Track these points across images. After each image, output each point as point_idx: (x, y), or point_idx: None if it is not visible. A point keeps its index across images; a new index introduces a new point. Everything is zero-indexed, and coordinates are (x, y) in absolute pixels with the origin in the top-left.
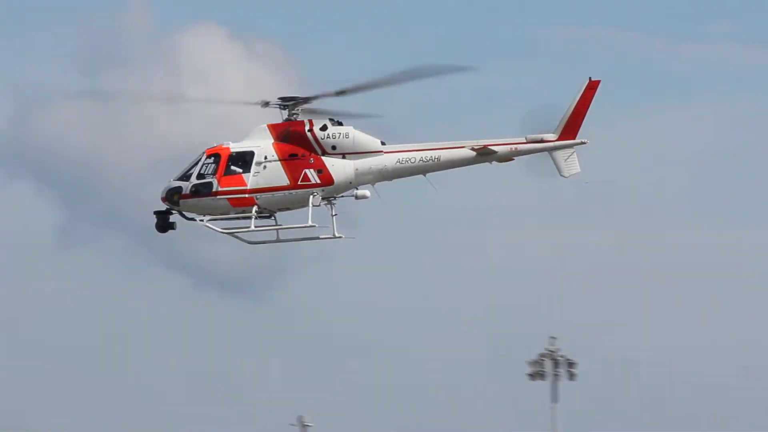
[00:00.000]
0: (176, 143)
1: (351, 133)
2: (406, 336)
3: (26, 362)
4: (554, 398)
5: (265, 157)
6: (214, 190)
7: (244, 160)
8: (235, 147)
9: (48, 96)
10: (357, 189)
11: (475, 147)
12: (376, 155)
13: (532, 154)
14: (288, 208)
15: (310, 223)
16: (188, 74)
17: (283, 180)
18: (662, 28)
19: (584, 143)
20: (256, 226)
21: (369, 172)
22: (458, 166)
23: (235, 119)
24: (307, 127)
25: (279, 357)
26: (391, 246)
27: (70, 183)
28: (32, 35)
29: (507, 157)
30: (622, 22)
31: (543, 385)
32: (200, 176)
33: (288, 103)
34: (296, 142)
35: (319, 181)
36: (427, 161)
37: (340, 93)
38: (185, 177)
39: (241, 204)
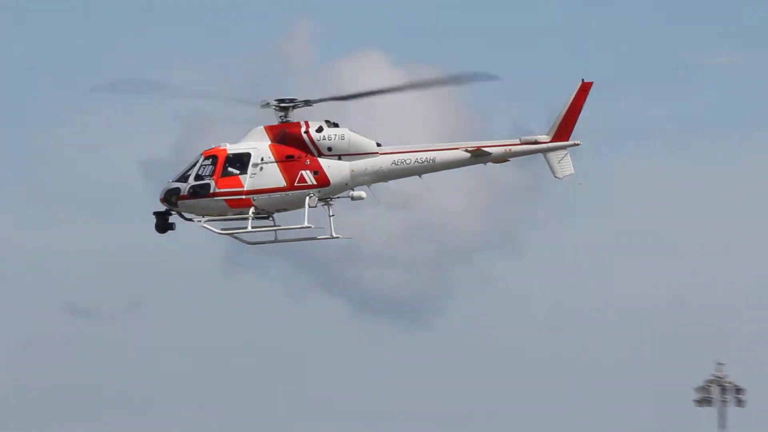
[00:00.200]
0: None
1: (346, 135)
2: (569, 361)
3: (191, 385)
4: (722, 425)
5: (262, 159)
6: (211, 191)
7: (241, 161)
8: (232, 148)
9: (214, 124)
10: (353, 190)
11: (469, 149)
12: (371, 156)
13: (526, 156)
14: (285, 209)
15: (306, 224)
16: (349, 102)
17: (280, 181)
18: None
19: (578, 144)
20: (253, 227)
21: (365, 173)
22: (453, 168)
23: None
24: (303, 129)
25: (444, 382)
26: (552, 269)
27: None
28: (198, 65)
29: (502, 158)
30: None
31: (710, 412)
32: (198, 177)
33: (286, 104)
34: (293, 144)
35: (315, 183)
36: (423, 162)
37: (342, 98)
38: (183, 178)
39: (238, 205)
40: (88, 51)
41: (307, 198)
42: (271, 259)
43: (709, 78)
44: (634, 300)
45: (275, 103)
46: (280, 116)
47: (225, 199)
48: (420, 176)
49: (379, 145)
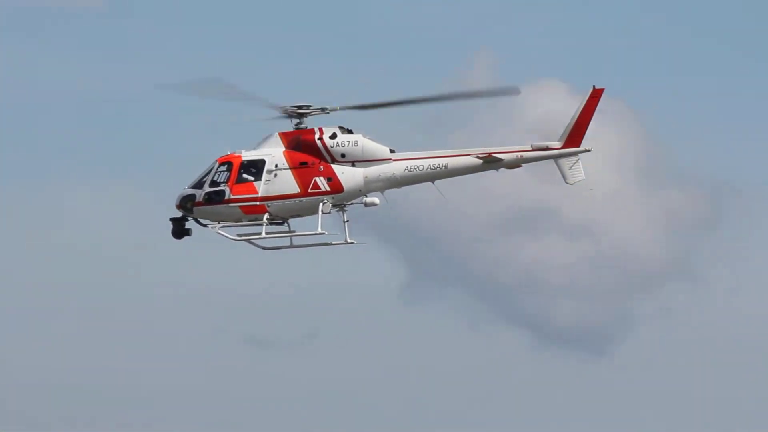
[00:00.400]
0: (513, 201)
1: (360, 142)
2: (759, 395)
3: (367, 416)
4: None
5: (276, 165)
6: (226, 197)
7: (256, 168)
8: (247, 155)
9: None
10: (366, 196)
11: (480, 155)
12: (385, 163)
13: (538, 162)
14: (299, 215)
15: (319, 230)
16: (531, 130)
17: (294, 188)
18: None
19: (588, 151)
20: (267, 233)
21: (378, 179)
22: (465, 174)
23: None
24: (317, 136)
25: (626, 414)
26: (735, 298)
27: (412, 238)
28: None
29: (515, 164)
30: None
31: None
32: (213, 184)
33: (302, 111)
34: (307, 151)
35: (329, 189)
36: (435, 169)
37: (360, 108)
38: (199, 185)
39: (252, 211)
40: None
41: (321, 204)
42: (449, 289)
43: None
44: None
45: (292, 109)
46: (296, 123)
47: (240, 206)
48: (433, 182)
49: (392, 151)
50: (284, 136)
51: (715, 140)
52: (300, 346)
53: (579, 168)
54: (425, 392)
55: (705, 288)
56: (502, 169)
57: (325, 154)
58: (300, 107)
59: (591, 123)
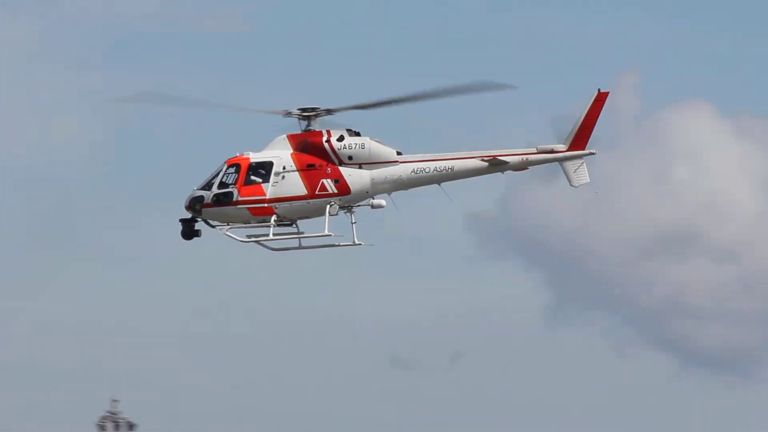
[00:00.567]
0: (660, 221)
1: (367, 144)
2: None
3: None
4: None
5: (284, 168)
6: (234, 199)
7: (264, 170)
8: (255, 157)
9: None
10: (373, 198)
11: (486, 158)
12: (392, 165)
13: (543, 164)
14: (307, 217)
15: (326, 232)
16: (676, 153)
17: (301, 190)
18: None
19: (593, 154)
20: (274, 234)
21: (385, 181)
22: (471, 176)
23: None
24: (324, 138)
25: None
26: None
27: (557, 261)
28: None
29: (521, 167)
30: None
31: None
32: (221, 185)
33: (309, 113)
34: (314, 153)
35: (336, 191)
36: (441, 171)
37: (365, 107)
38: (207, 186)
39: (260, 213)
40: None
41: (328, 206)
42: (595, 313)
43: None
44: None
45: (298, 112)
46: (303, 125)
47: (248, 207)
48: (439, 184)
49: (399, 153)
50: (292, 138)
51: None
52: (447, 369)
53: (584, 171)
54: (570, 416)
55: None
56: (509, 172)
57: (332, 156)
58: (307, 109)
59: (596, 126)
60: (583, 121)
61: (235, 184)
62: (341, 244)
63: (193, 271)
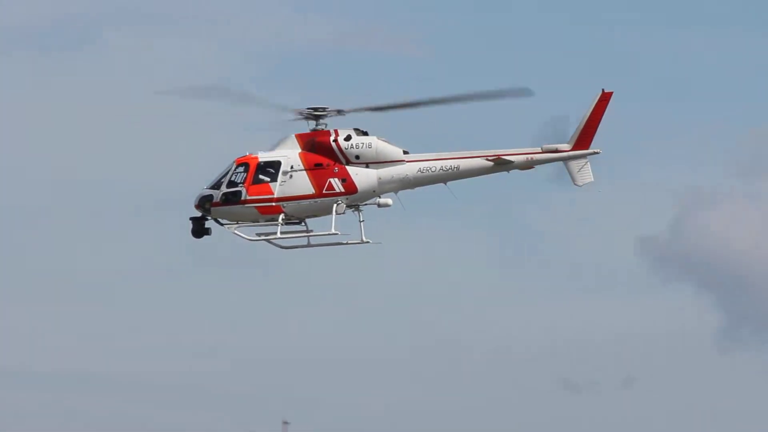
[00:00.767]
0: None
1: (374, 143)
2: None
3: None
4: None
5: (292, 167)
6: (242, 198)
7: (272, 169)
8: (264, 156)
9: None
10: (380, 197)
11: (490, 157)
12: (398, 164)
13: (548, 164)
14: (315, 216)
15: (333, 230)
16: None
17: (309, 189)
18: None
19: (597, 153)
20: (282, 233)
21: (392, 180)
22: (477, 176)
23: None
24: (332, 137)
25: None
26: None
27: (729, 283)
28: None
29: (527, 166)
30: None
31: None
32: (230, 184)
33: (318, 113)
34: (322, 152)
35: (343, 190)
36: (447, 170)
37: (375, 109)
38: (217, 185)
39: (268, 212)
40: None
41: (335, 205)
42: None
43: None
44: None
45: (308, 111)
46: (312, 124)
47: (256, 206)
48: (445, 183)
49: (406, 152)
50: (300, 137)
51: None
52: (616, 392)
53: (588, 170)
54: None
55: None
56: (515, 171)
57: (339, 155)
58: (316, 109)
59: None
60: (587, 120)
61: (243, 183)
62: (349, 242)
63: (373, 287)
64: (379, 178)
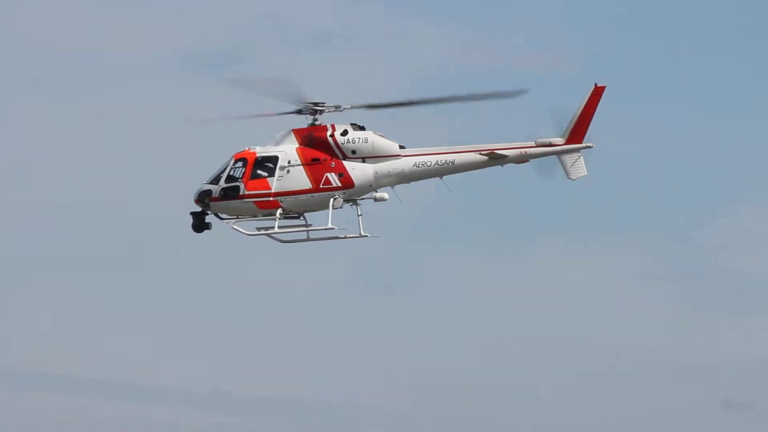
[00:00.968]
0: None
1: (370, 138)
2: None
3: None
4: None
5: (289, 162)
6: (241, 193)
7: (269, 164)
8: (261, 152)
9: None
10: (376, 192)
11: (483, 152)
12: (394, 159)
13: (542, 158)
14: (312, 210)
15: (329, 225)
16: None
17: (306, 183)
18: None
19: (590, 147)
20: (280, 227)
21: (388, 175)
22: (472, 170)
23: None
24: (329, 132)
25: None
26: None
27: None
28: None
29: (521, 160)
30: None
31: None
32: (229, 179)
33: (316, 108)
34: (319, 147)
35: (340, 185)
36: (442, 165)
37: (371, 107)
38: (215, 180)
39: (266, 206)
40: None
41: (332, 200)
42: None
43: None
44: None
45: (306, 106)
46: (310, 120)
47: (254, 201)
48: (441, 178)
49: (402, 147)
50: (298, 132)
51: None
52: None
53: (581, 164)
54: None
55: None
56: (510, 165)
57: (336, 150)
58: (315, 104)
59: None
60: (580, 115)
61: (241, 178)
62: (347, 236)
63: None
64: (376, 173)
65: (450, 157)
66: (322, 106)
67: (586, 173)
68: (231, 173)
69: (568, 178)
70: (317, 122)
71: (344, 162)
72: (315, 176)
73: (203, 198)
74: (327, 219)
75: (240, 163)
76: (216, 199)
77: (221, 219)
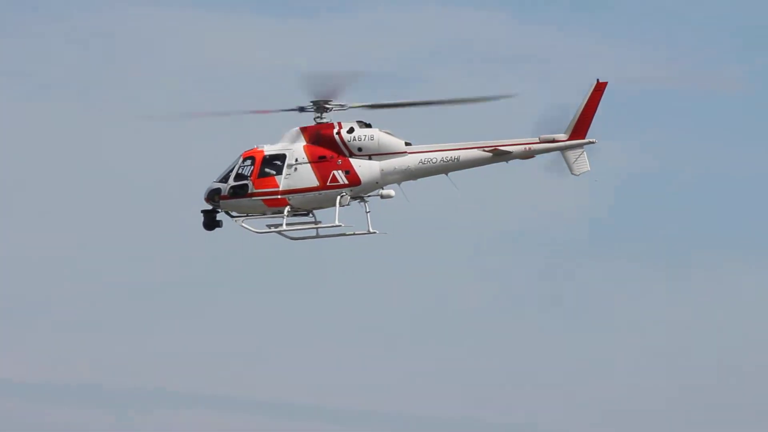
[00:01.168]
0: None
1: (376, 136)
2: None
3: None
4: None
5: (296, 160)
6: (249, 191)
7: (277, 162)
8: (269, 150)
9: None
10: (383, 189)
11: (487, 148)
12: (400, 156)
13: (546, 154)
14: (320, 207)
15: (336, 222)
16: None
17: (313, 181)
18: None
19: (593, 142)
20: (288, 224)
21: (394, 172)
22: (477, 166)
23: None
24: (335, 130)
25: None
26: None
27: None
28: None
29: (526, 155)
30: None
31: None
32: (237, 178)
33: (321, 106)
34: (325, 145)
35: (346, 182)
36: (448, 161)
37: (374, 107)
38: (225, 178)
39: (274, 204)
40: None
41: (339, 197)
42: None
43: None
44: None
45: (312, 105)
46: (317, 117)
47: (262, 199)
48: (447, 174)
49: (408, 144)
50: (305, 130)
51: None
52: None
53: (584, 159)
54: None
55: None
56: (515, 161)
57: (342, 148)
58: (321, 102)
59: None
60: (583, 110)
61: (250, 176)
62: (356, 233)
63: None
64: (382, 170)
65: (455, 154)
66: (329, 105)
67: (589, 169)
68: (240, 171)
69: (572, 174)
70: (324, 120)
71: (351, 159)
72: (322, 174)
73: (213, 196)
74: (334, 216)
75: (248, 162)
76: (225, 198)
77: (232, 217)
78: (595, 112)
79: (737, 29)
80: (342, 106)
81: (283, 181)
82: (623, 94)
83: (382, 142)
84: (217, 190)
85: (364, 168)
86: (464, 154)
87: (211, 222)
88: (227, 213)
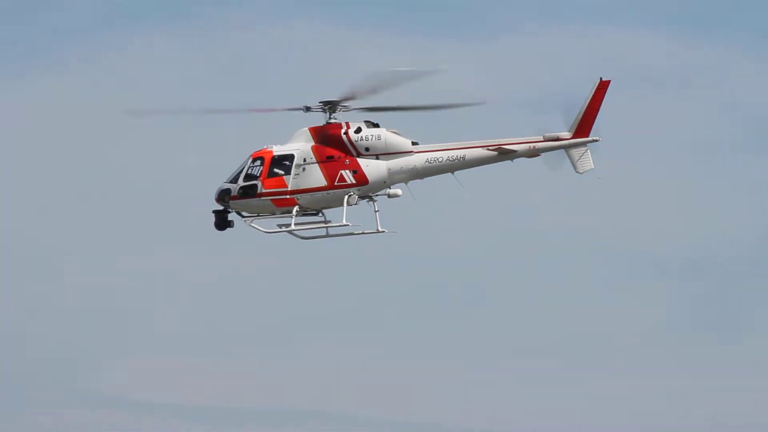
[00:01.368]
0: None
1: (383, 135)
2: None
3: None
4: None
5: (305, 160)
6: (258, 191)
7: (286, 162)
8: (278, 150)
9: None
10: (390, 188)
11: (491, 147)
12: (407, 155)
13: (550, 152)
14: (328, 207)
15: (344, 222)
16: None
17: (321, 181)
18: None
19: (597, 140)
20: (296, 224)
21: (401, 171)
22: (482, 165)
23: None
24: (343, 130)
25: None
26: None
27: None
28: None
29: (531, 154)
30: None
31: None
32: (247, 178)
33: (328, 106)
34: (333, 145)
35: (354, 182)
36: (454, 161)
37: (374, 110)
38: (234, 179)
39: (283, 204)
40: None
41: (347, 197)
42: None
43: None
44: None
45: (319, 105)
46: (326, 118)
47: (271, 199)
48: (453, 173)
49: (415, 143)
50: (313, 131)
51: None
52: None
53: (588, 157)
54: None
55: None
56: (521, 159)
57: (350, 147)
58: (327, 102)
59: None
60: (586, 109)
61: (259, 176)
62: (365, 232)
63: None
64: (389, 169)
65: (461, 153)
66: (336, 105)
67: (593, 167)
68: (249, 172)
69: (576, 172)
70: (332, 120)
71: (358, 159)
72: (330, 174)
73: (223, 197)
74: (342, 215)
75: (258, 162)
76: (235, 198)
77: (242, 217)
78: (598, 110)
79: None
80: (346, 106)
81: (291, 181)
82: None
83: (390, 141)
84: (227, 191)
85: (371, 167)
86: (470, 153)
87: (222, 222)
88: (238, 213)
